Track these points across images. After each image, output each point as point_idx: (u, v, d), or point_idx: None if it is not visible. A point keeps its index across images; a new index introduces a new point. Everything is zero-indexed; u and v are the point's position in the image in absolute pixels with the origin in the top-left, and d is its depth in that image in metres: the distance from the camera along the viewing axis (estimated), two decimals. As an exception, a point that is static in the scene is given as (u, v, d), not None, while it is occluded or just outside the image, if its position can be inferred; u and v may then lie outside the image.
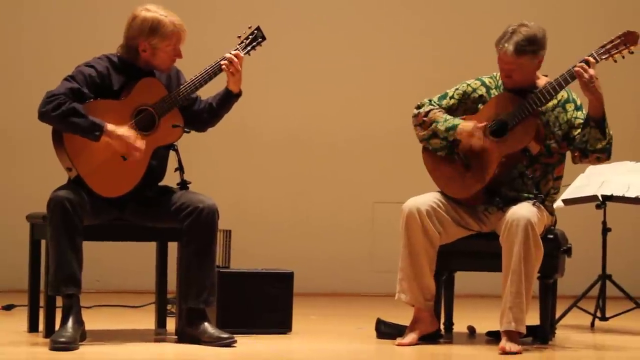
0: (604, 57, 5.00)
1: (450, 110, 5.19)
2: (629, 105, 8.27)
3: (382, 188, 8.01)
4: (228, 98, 5.17)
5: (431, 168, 5.22)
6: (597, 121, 4.99)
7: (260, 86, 8.02)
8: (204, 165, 7.37)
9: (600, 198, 5.95)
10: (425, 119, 5.17)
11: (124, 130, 4.90)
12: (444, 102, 5.21)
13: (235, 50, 5.13)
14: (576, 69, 4.95)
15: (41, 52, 7.79)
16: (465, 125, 5.10)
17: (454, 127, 5.10)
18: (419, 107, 5.21)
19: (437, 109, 5.18)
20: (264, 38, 5.26)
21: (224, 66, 5.08)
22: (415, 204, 5.08)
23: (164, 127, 5.02)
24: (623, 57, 5.02)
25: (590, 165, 5.18)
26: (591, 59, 4.96)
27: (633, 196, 5.90)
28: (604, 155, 5.05)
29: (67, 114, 4.81)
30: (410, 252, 5.07)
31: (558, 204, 6.04)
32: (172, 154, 5.15)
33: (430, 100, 5.22)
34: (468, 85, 5.24)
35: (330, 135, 8.08)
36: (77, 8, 7.87)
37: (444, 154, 5.16)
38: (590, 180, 6.10)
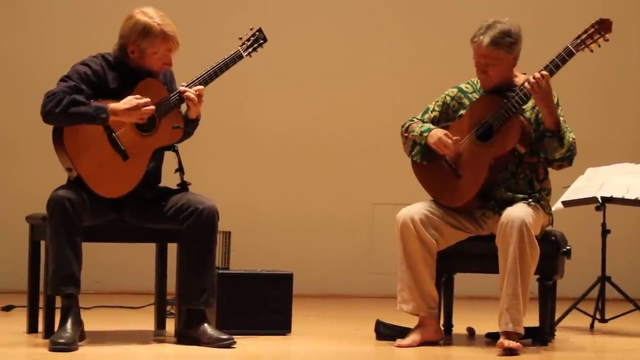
0: (580, 48, 4.98)
1: (433, 123, 5.22)
2: (629, 108, 8.27)
3: (381, 189, 8.01)
4: (187, 124, 5.13)
5: (422, 179, 5.23)
6: (553, 132, 5.00)
7: (261, 87, 8.02)
8: (204, 166, 7.37)
9: (600, 200, 5.95)
10: (406, 134, 5.21)
11: (125, 102, 4.87)
12: (426, 117, 5.26)
13: (195, 85, 5.06)
14: (532, 81, 4.93)
15: (41, 53, 7.78)
16: (437, 130, 5.11)
17: (427, 130, 5.12)
18: (402, 127, 5.24)
19: (415, 122, 5.21)
20: (265, 40, 5.26)
21: (185, 100, 5.03)
22: (408, 213, 5.08)
23: (164, 128, 5.01)
24: (599, 45, 4.99)
25: (555, 170, 5.18)
26: (544, 72, 4.94)
27: (633, 198, 5.90)
28: (565, 162, 5.07)
29: (70, 105, 4.80)
30: (408, 261, 5.06)
31: (558, 205, 6.05)
32: (169, 155, 5.15)
33: (412, 118, 5.25)
34: (446, 95, 5.27)
35: (329, 137, 8.08)
36: (77, 9, 7.87)
37: (426, 162, 5.16)
38: (589, 182, 6.10)
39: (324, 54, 8.10)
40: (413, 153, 5.20)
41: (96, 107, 4.84)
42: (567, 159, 5.06)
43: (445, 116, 5.24)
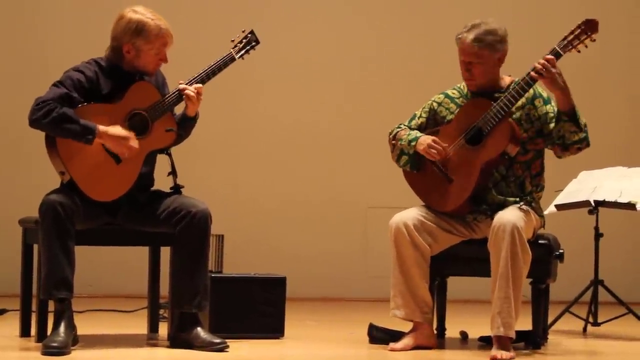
0: (567, 49, 4.97)
1: (421, 129, 5.24)
2: (621, 111, 8.28)
3: (375, 193, 8.01)
4: (184, 121, 5.14)
5: (414, 185, 5.24)
6: (569, 114, 5.00)
7: (254, 91, 8.02)
8: (196, 169, 7.37)
9: (593, 203, 5.96)
10: (393, 142, 5.22)
11: (117, 130, 4.89)
12: (413, 123, 5.27)
13: (195, 83, 5.06)
14: (537, 67, 4.93)
15: (37, 56, 7.77)
16: (426, 137, 5.12)
17: (415, 139, 5.13)
18: (390, 134, 5.25)
19: (403, 129, 5.22)
20: (257, 42, 5.26)
21: (185, 98, 5.02)
22: (402, 219, 5.09)
23: (157, 131, 5.01)
24: (586, 46, 4.98)
25: (572, 156, 5.17)
26: (550, 57, 4.94)
27: (625, 201, 5.90)
28: (583, 144, 5.05)
29: (59, 120, 4.80)
30: (401, 267, 5.06)
31: (551, 209, 6.06)
32: (161, 158, 5.14)
33: (400, 125, 5.26)
34: (433, 101, 5.29)
35: (323, 140, 8.08)
36: (78, 10, 7.85)
37: (416, 171, 5.18)
38: (582, 185, 6.11)
39: (319, 56, 8.10)
40: (401, 163, 5.21)
41: (84, 128, 4.82)
42: (585, 140, 5.03)
43: (432, 122, 5.26)
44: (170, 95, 5.03)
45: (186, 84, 5.05)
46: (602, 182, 6.04)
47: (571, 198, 6.08)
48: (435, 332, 5.27)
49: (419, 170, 5.19)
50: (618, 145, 8.08)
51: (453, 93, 5.27)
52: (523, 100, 5.09)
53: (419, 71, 8.02)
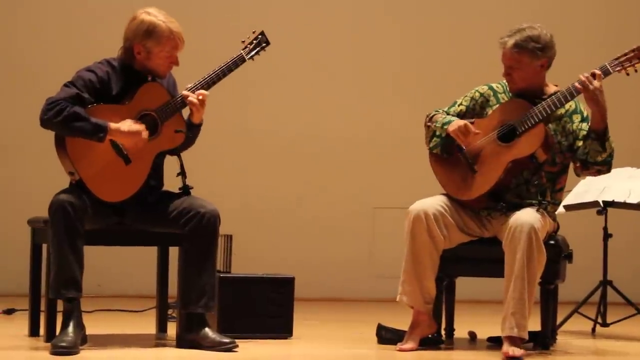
0: (616, 69, 5.00)
1: (459, 116, 5.22)
2: (629, 112, 8.26)
3: (382, 193, 8.01)
4: (189, 128, 5.13)
5: (437, 170, 5.24)
6: (598, 134, 5.00)
7: (262, 91, 8.03)
8: (206, 170, 7.36)
9: (602, 204, 5.95)
10: (429, 124, 5.21)
11: (128, 126, 4.89)
12: (452, 110, 5.26)
13: (198, 89, 5.06)
14: (582, 79, 4.95)
15: (43, 56, 7.78)
16: (458, 120, 5.11)
17: (448, 122, 5.12)
18: (427, 117, 5.25)
19: (440, 113, 5.22)
20: (268, 43, 5.25)
21: (189, 105, 5.02)
22: (422, 207, 5.09)
23: (166, 132, 5.01)
24: (636, 70, 5.03)
25: (591, 176, 5.19)
26: (597, 72, 4.96)
27: (634, 202, 5.90)
28: (604, 167, 5.07)
29: (70, 119, 4.81)
30: (414, 254, 5.07)
31: (559, 210, 6.05)
32: (171, 159, 5.14)
33: (437, 110, 5.27)
34: (476, 91, 5.28)
35: (330, 141, 8.08)
36: (80, 12, 7.86)
37: (445, 155, 5.18)
38: (591, 186, 6.11)
39: (326, 57, 8.10)
40: (431, 145, 5.21)
41: (95, 125, 4.83)
42: (607, 164, 5.06)
43: (472, 112, 5.24)
44: (174, 100, 5.03)
45: (193, 88, 5.04)
46: (610, 182, 6.03)
47: (580, 199, 6.08)
48: (444, 331, 5.28)
49: (448, 155, 5.17)
50: (626, 146, 8.02)
51: (497, 87, 5.26)
52: (562, 111, 5.10)
53: (426, 73, 8.02)
